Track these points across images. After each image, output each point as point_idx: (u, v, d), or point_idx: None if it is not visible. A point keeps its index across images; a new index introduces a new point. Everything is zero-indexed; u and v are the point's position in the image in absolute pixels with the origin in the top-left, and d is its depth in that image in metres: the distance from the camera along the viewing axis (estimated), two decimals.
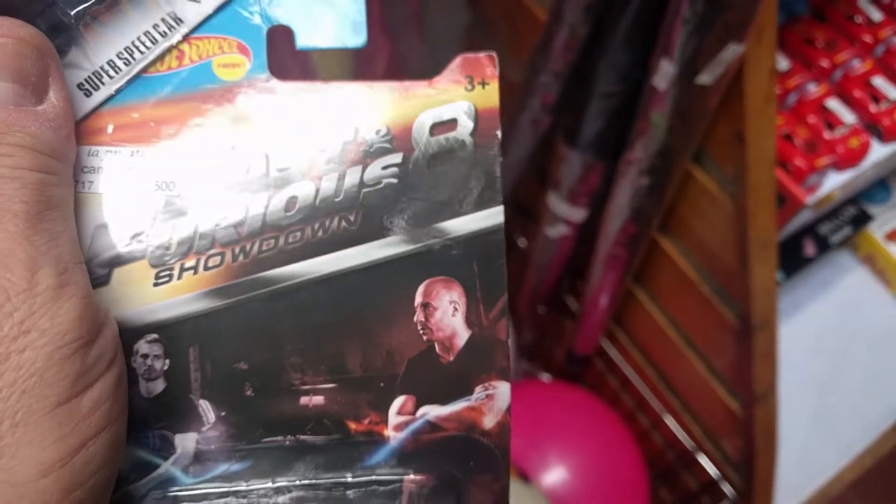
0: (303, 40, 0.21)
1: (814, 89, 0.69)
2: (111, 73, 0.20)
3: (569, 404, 0.85)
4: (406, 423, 0.23)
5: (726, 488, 0.78)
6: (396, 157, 0.22)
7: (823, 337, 0.96)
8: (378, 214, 0.22)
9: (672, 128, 0.54)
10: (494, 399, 0.23)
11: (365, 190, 0.22)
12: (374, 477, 0.22)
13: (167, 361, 0.21)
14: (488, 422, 0.23)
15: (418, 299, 0.22)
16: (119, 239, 0.21)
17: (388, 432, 0.22)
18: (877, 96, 0.72)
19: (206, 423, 0.22)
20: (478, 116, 0.22)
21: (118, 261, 0.21)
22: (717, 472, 0.78)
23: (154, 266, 0.21)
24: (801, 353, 0.92)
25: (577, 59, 0.60)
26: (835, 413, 0.93)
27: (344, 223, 0.22)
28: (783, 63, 0.71)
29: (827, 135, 0.66)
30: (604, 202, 0.66)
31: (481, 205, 0.22)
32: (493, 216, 0.22)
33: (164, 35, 0.21)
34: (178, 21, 0.21)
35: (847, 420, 0.93)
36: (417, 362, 0.22)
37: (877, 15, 0.77)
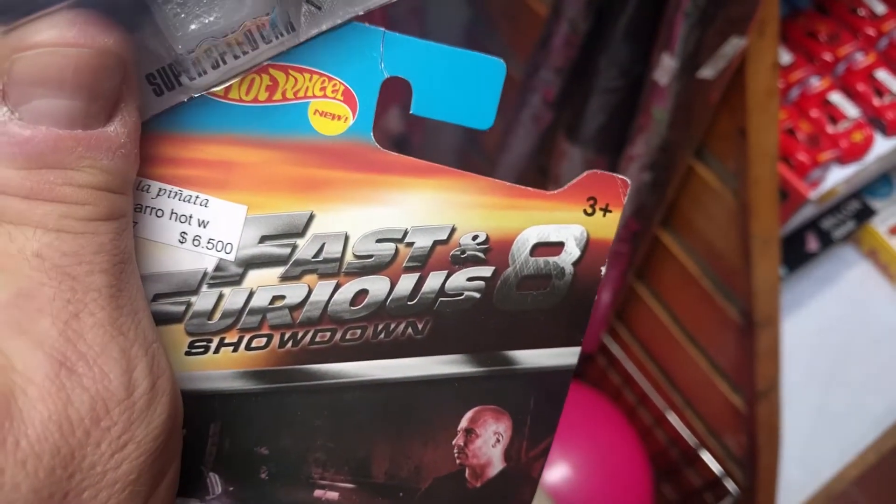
0: (420, 105, 0.18)
1: (816, 83, 0.69)
2: (192, 72, 0.15)
3: (571, 401, 0.85)
4: None
5: (729, 485, 0.78)
6: (487, 271, 0.19)
7: (826, 332, 0.96)
8: (449, 328, 0.19)
9: (673, 122, 0.53)
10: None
11: (443, 299, 0.19)
12: None
13: (184, 431, 0.19)
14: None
15: (463, 424, 0.20)
16: (157, 295, 0.18)
17: None
18: (880, 90, 0.72)
19: (213, 493, 0.20)
20: (588, 246, 0.19)
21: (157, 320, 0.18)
22: (720, 468, 0.78)
23: (190, 334, 0.18)
24: (804, 349, 0.92)
25: (577, 55, 0.60)
26: (838, 409, 0.93)
27: (410, 330, 0.19)
28: (785, 57, 0.71)
29: (830, 129, 0.66)
30: None
31: (560, 342, 0.20)
32: (568, 356, 0.20)
33: (277, 37, 0.16)
34: (290, 27, 0.16)
35: (850, 416, 0.93)
36: (444, 483, 0.21)
37: (880, 8, 0.77)
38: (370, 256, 0.19)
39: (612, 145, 0.62)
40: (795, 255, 0.89)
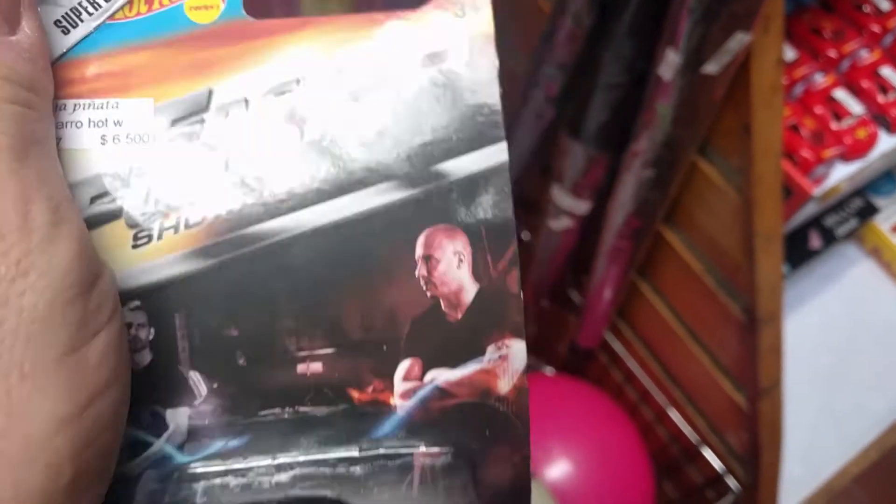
0: None
1: (821, 80, 0.68)
2: (90, 9, 0.19)
3: (572, 398, 0.85)
4: (413, 390, 0.21)
5: (731, 482, 0.78)
6: (386, 93, 0.20)
7: (829, 330, 0.95)
8: (370, 157, 0.20)
9: (677, 118, 0.53)
10: (509, 360, 0.20)
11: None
12: (382, 451, 0.21)
13: (152, 330, 0.20)
14: (503, 386, 0.21)
15: (419, 251, 0.20)
16: (92, 198, 0.20)
17: (395, 401, 0.21)
18: (885, 87, 0.72)
19: (199, 397, 0.20)
20: (472, 45, 0.20)
21: (92, 222, 0.19)
22: (722, 465, 0.78)
23: (131, 226, 0.20)
24: (806, 347, 0.91)
25: (581, 50, 0.59)
26: (840, 407, 0.93)
27: (334, 169, 0.20)
28: (790, 53, 0.71)
29: (834, 126, 0.66)
30: (608, 195, 0.65)
31: (482, 142, 0.20)
32: (496, 154, 0.20)
33: None
34: None
35: (853, 414, 0.93)
36: (422, 322, 0.20)
37: (885, 4, 0.76)
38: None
39: (616, 142, 0.61)
40: (798, 252, 0.89)
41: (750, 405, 0.71)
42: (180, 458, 0.20)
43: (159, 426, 0.20)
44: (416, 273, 0.20)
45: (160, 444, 0.20)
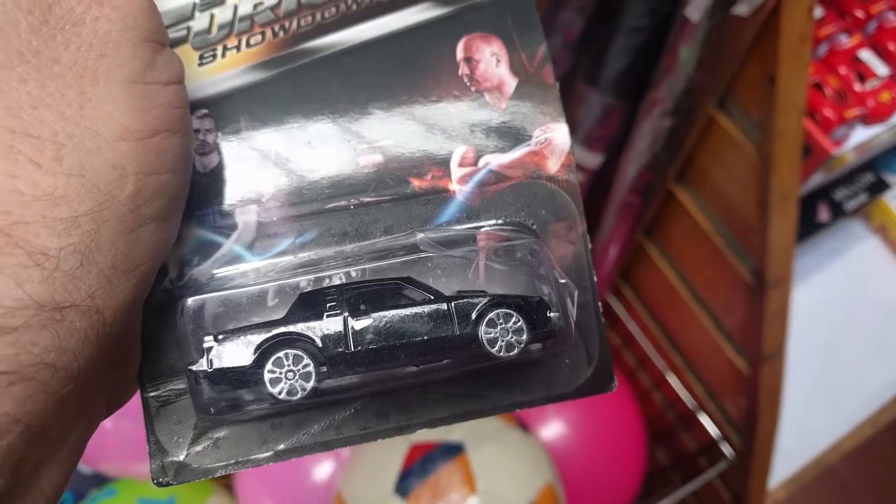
0: None
1: (846, 40, 0.66)
2: None
3: None
4: (470, 175, 0.22)
5: (726, 449, 0.77)
6: None
7: (830, 305, 0.95)
8: None
9: (701, 63, 0.51)
10: (554, 141, 0.22)
11: None
12: (445, 235, 0.22)
13: (218, 134, 0.22)
14: (552, 164, 0.22)
15: (460, 54, 0.22)
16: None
17: (453, 186, 0.22)
18: None
19: (266, 192, 0.22)
20: None
21: None
22: (718, 432, 0.77)
23: (197, 49, 0.22)
24: (806, 320, 0.91)
25: None
26: (837, 382, 0.92)
27: None
28: (816, 11, 0.68)
29: (858, 87, 0.64)
30: (621, 148, 0.64)
31: None
32: None
33: None
34: None
35: (849, 389, 0.93)
36: (471, 112, 0.22)
37: None
38: None
39: (633, 91, 0.60)
40: (806, 224, 0.87)
41: (751, 370, 0.70)
42: (250, 257, 0.21)
43: (228, 226, 0.21)
44: (460, 73, 0.22)
45: (230, 245, 0.21)
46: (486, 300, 0.20)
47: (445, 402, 0.22)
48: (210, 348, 0.19)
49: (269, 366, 0.19)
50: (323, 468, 0.69)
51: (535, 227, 0.22)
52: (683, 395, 0.80)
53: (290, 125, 0.22)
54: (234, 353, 0.19)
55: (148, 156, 0.18)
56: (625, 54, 0.57)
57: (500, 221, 0.22)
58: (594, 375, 0.23)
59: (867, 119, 0.63)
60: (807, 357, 0.90)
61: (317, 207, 0.22)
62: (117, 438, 0.65)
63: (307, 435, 0.21)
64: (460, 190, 0.22)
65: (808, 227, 0.88)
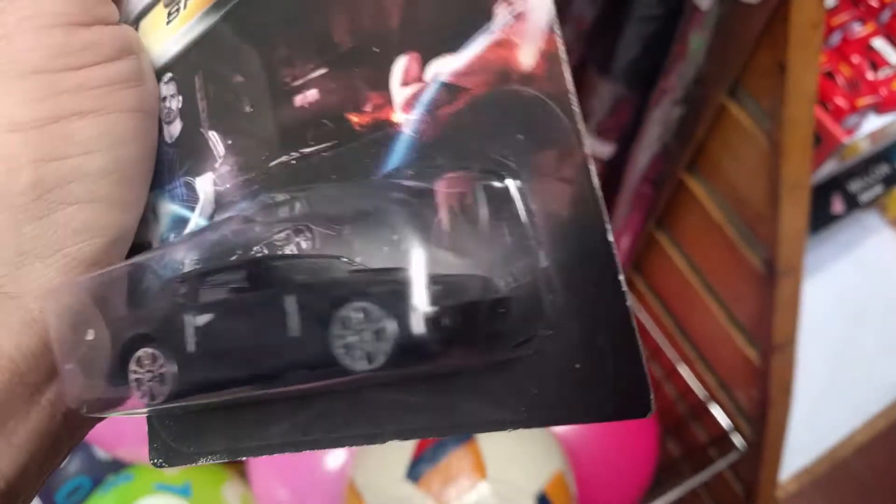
0: None
1: (859, 28, 0.66)
2: None
3: None
4: (416, 96, 0.16)
5: (737, 440, 0.77)
6: None
7: (844, 297, 0.94)
8: None
9: (711, 51, 0.51)
10: (527, 18, 0.14)
11: None
12: (396, 195, 0.16)
13: (180, 98, 0.21)
14: (526, 56, 0.15)
15: None
16: None
17: (398, 116, 0.16)
18: None
19: (218, 157, 0.20)
20: None
21: (142, 14, 0.21)
22: (729, 422, 0.77)
23: (166, 6, 0.21)
24: (819, 312, 0.90)
25: None
26: (850, 374, 0.92)
27: None
28: (829, 0, 0.68)
29: (870, 75, 0.64)
30: (632, 138, 0.64)
31: None
32: None
33: None
34: None
35: (862, 382, 0.92)
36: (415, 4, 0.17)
37: None
38: None
39: (645, 81, 0.60)
40: (820, 215, 0.87)
41: (763, 361, 0.70)
42: None
43: (192, 198, 0.20)
44: None
45: (196, 218, 0.20)
46: (346, 287, 0.14)
47: (418, 412, 0.16)
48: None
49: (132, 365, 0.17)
50: (336, 456, 0.70)
51: (513, 164, 0.15)
52: (695, 385, 0.80)
53: (234, 79, 0.20)
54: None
55: (49, 142, 0.18)
56: (637, 43, 0.58)
57: (463, 159, 0.16)
58: (618, 393, 0.15)
59: (880, 108, 0.62)
60: (820, 350, 0.90)
61: (263, 168, 0.19)
62: (134, 425, 0.66)
63: (274, 434, 0.18)
64: (406, 120, 0.16)
65: (822, 219, 0.87)
